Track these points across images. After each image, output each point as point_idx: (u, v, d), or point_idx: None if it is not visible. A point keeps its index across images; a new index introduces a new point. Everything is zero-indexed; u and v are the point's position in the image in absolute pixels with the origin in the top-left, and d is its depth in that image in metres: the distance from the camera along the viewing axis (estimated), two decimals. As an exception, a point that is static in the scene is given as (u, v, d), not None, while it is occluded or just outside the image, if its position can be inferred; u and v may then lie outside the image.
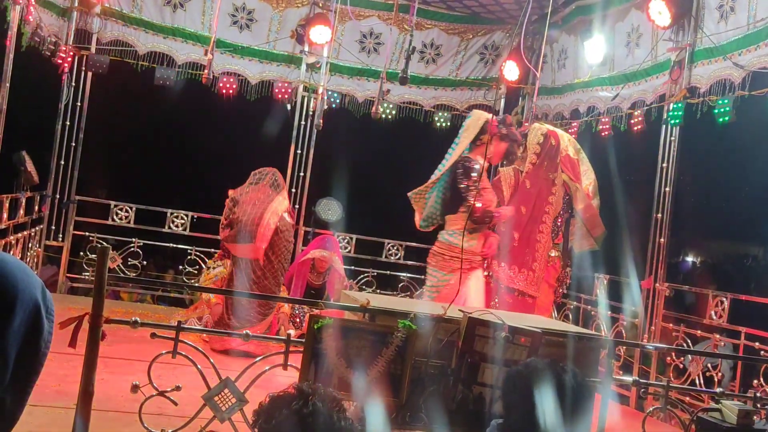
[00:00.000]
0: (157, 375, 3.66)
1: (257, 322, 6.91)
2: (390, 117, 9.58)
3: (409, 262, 9.98)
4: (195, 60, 9.00)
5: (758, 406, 3.92)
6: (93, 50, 8.71)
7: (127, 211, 9.11)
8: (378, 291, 9.61)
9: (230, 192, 7.31)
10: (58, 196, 8.77)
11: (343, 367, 3.40)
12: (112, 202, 9.13)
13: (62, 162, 8.74)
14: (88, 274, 8.71)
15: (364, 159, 13.35)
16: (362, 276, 9.62)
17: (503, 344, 3.47)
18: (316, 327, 3.44)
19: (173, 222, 9.22)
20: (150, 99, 10.60)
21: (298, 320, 7.65)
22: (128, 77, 9.19)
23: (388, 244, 9.91)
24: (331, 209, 9.07)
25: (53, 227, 8.77)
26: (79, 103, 8.78)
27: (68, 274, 8.86)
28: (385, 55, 9.29)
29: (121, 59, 8.88)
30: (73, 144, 8.78)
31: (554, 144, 6.41)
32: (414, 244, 10.12)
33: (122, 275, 8.74)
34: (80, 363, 3.34)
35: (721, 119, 6.39)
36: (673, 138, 7.06)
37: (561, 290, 7.23)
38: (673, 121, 6.95)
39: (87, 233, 8.93)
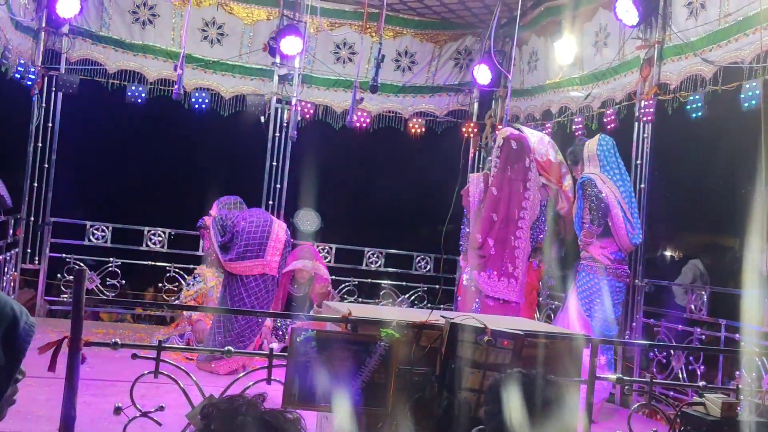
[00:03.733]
0: (140, 395, 3.63)
1: (251, 343, 6.87)
2: (366, 126, 9.59)
3: (390, 269, 9.98)
4: (167, 77, 8.96)
5: (741, 398, 3.95)
6: (62, 70, 8.64)
7: (103, 230, 9.04)
8: (360, 299, 9.60)
9: (207, 220, 7.19)
10: (32, 219, 8.68)
11: (328, 379, 3.39)
12: (88, 223, 9.06)
13: (35, 184, 8.64)
14: (66, 296, 8.61)
15: (343, 169, 13.35)
16: (344, 285, 9.61)
17: (486, 348, 3.47)
18: (299, 340, 3.43)
19: (151, 240, 9.16)
20: (122, 117, 10.55)
21: (281, 333, 7.62)
22: (99, 96, 9.12)
23: (368, 252, 9.90)
24: (309, 220, 9.05)
25: (29, 250, 8.66)
26: (50, 124, 8.69)
27: (46, 297, 8.77)
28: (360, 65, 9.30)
29: (92, 78, 8.82)
30: (46, 165, 8.69)
31: (515, 148, 6.32)
32: (394, 251, 10.14)
33: (101, 296, 8.66)
34: (62, 386, 3.30)
35: (693, 114, 6.46)
36: (645, 135, 7.12)
37: (544, 291, 7.27)
38: (645, 118, 7.02)
39: (63, 255, 8.83)
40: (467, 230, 6.63)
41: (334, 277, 9.35)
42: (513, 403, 2.54)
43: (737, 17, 6.08)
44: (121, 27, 8.91)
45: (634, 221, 6.31)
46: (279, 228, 7.02)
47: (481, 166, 9.55)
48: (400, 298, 9.78)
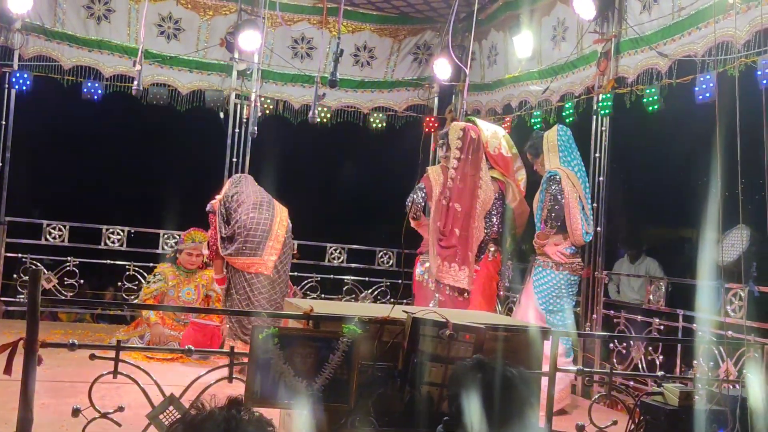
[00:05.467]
0: (99, 396, 3.58)
1: None
2: (326, 121, 9.59)
3: (353, 265, 9.97)
4: (123, 72, 8.87)
5: (698, 387, 4.01)
6: (15, 67, 8.49)
7: (60, 229, 8.90)
8: (323, 296, 9.57)
9: (214, 204, 6.99)
10: (-13, 218, 8.52)
11: (290, 377, 3.37)
12: (45, 221, 8.91)
13: (-11, 183, 8.49)
14: (22, 296, 8.46)
15: (304, 164, 13.28)
16: (306, 281, 9.57)
17: (448, 342, 3.49)
18: (260, 337, 3.40)
19: (109, 238, 9.04)
20: (78, 113, 10.37)
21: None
22: (54, 92, 8.97)
23: (330, 247, 9.88)
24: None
25: (-17, 251, 8.51)
26: (3, 122, 8.52)
27: (2, 298, 8.61)
28: (318, 60, 9.27)
29: (46, 74, 8.69)
30: (0, 164, 8.53)
31: (474, 137, 6.34)
32: (356, 246, 10.12)
33: (59, 296, 8.52)
34: (19, 389, 3.24)
35: (650, 108, 6.55)
36: (603, 128, 7.20)
37: (503, 283, 7.29)
38: (603, 112, 7.09)
39: (20, 254, 8.67)
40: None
41: (296, 273, 9.31)
42: (475, 388, 2.57)
43: (690, 11, 6.19)
44: (76, 22, 8.78)
45: (590, 216, 6.37)
46: (279, 226, 6.88)
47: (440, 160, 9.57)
48: (363, 294, 9.78)
